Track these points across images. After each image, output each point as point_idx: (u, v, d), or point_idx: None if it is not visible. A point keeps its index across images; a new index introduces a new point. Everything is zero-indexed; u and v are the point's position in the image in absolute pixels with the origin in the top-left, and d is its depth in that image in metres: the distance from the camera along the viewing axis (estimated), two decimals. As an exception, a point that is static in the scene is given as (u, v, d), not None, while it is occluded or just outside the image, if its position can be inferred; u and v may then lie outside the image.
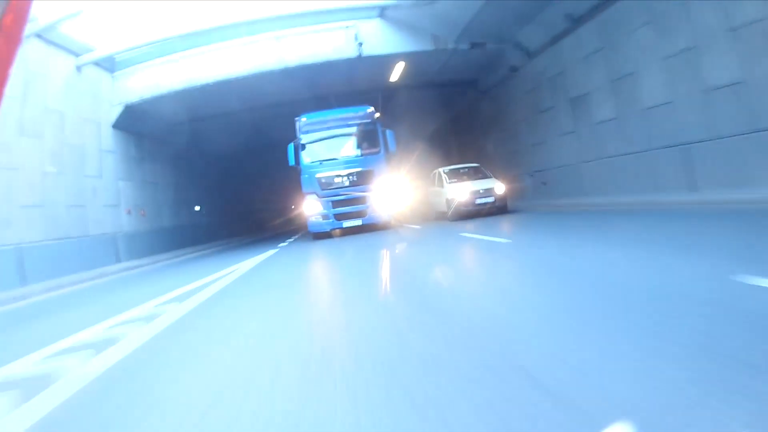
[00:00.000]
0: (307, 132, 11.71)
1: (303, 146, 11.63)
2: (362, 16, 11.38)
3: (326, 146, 11.74)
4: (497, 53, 12.46)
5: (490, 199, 11.01)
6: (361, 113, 12.04)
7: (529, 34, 11.36)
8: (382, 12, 11.27)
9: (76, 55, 11.02)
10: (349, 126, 11.81)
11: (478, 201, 11.00)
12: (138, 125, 12.74)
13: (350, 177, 11.50)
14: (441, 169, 12.75)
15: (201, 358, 2.64)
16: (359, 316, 3.11)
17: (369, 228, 11.77)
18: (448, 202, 11.64)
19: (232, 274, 6.55)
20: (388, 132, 11.98)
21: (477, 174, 12.19)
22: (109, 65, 11.84)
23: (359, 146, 11.83)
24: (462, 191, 11.23)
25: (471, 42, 11.43)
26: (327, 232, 11.71)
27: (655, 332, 1.89)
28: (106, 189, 11.62)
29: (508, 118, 14.13)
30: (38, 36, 9.85)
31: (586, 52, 9.65)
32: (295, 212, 26.38)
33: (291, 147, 11.78)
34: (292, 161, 11.79)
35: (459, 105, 17.66)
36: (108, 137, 11.91)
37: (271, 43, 11.35)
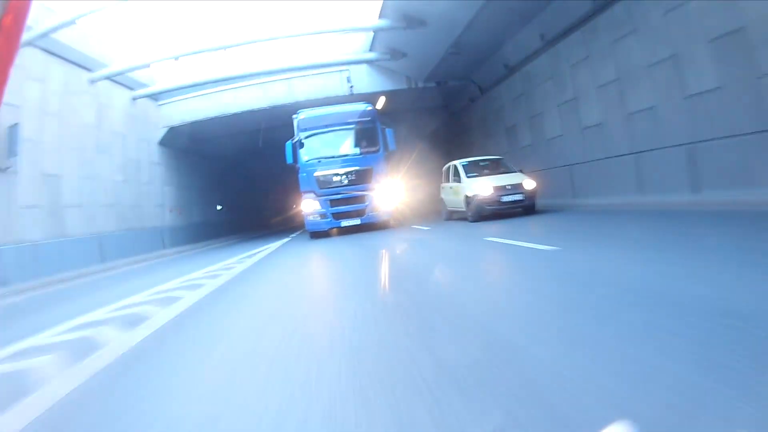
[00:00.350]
0: (305, 129, 11.64)
1: (301, 144, 11.54)
2: (353, 63, 14.76)
3: (325, 144, 11.67)
4: (459, 88, 15.81)
5: (518, 197, 9.50)
6: (360, 110, 12.01)
7: (481, 75, 14.68)
8: (368, 61, 14.63)
9: (131, 89, 14.42)
10: (348, 124, 11.76)
11: (505, 198, 9.48)
12: (177, 142, 16.15)
13: (349, 175, 11.39)
14: (457, 162, 11.21)
15: (250, 298, 4.58)
16: (355, 278, 6.32)
17: (368, 227, 11.74)
18: (467, 199, 10.11)
19: (260, 254, 9.86)
20: (387, 131, 11.89)
21: (499, 167, 10.82)
22: (156, 97, 15.25)
23: (358, 144, 11.73)
24: (485, 187, 9.69)
25: (436, 81, 14.81)
26: (325, 231, 11.71)
27: None
28: (155, 193, 15.03)
29: (468, 137, 17.37)
30: (108, 78, 13.25)
31: (515, 94, 13.00)
32: (298, 210, 29.28)
33: (289, 144, 11.65)
34: (290, 159, 11.65)
35: (434, 124, 20.90)
36: (155, 152, 15.32)
37: (284, 83, 14.76)
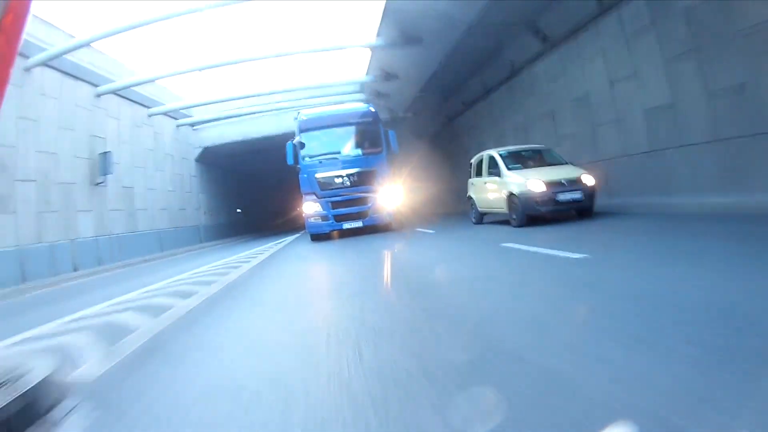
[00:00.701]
0: (306, 130, 11.55)
1: (302, 144, 11.43)
2: (349, 93, 18.59)
3: (326, 145, 11.53)
4: (435, 114, 19.62)
5: (577, 195, 7.67)
6: (362, 111, 12.03)
7: (450, 106, 18.44)
8: (360, 96, 18.51)
9: (176, 119, 18.42)
10: (349, 125, 11.65)
11: (561, 197, 7.64)
12: (209, 159, 20.16)
13: (351, 177, 11.24)
14: (493, 152, 9.37)
15: (280, 273, 9.19)
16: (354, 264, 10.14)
17: (370, 230, 11.63)
18: (511, 198, 8.22)
19: (280, 245, 13.70)
20: (390, 132, 11.82)
21: (545, 159, 9.02)
22: (193, 124, 19.26)
23: (360, 145, 11.61)
24: (536, 182, 7.80)
25: (413, 112, 18.64)
26: (326, 233, 11.57)
27: None
28: (193, 199, 19.05)
29: (450, 153, 20.56)
30: (162, 113, 17.24)
31: (481, 117, 16.56)
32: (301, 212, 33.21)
33: (290, 145, 11.48)
34: (290, 160, 11.48)
35: (419, 144, 24.25)
36: (193, 167, 19.34)
37: (293, 113, 18.64)
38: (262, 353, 2.69)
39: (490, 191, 9.36)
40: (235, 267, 7.92)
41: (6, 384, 1.64)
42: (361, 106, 12.49)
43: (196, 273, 7.64)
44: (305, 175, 11.41)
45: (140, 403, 2.02)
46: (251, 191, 27.92)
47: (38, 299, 7.60)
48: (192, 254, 14.44)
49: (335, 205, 11.23)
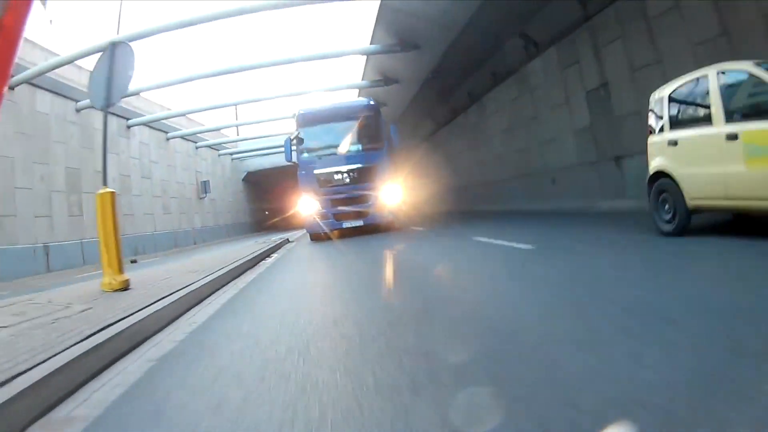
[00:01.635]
0: (305, 126, 11.31)
1: (300, 140, 11.18)
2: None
3: (325, 140, 11.28)
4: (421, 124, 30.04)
5: None
6: (362, 105, 11.76)
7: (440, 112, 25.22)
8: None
9: (231, 155, 29.00)
10: (350, 120, 11.30)
11: None
12: (251, 179, 30.84)
13: (351, 174, 10.91)
14: (715, 72, 4.18)
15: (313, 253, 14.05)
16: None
17: (371, 229, 11.35)
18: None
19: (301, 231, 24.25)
20: (391, 127, 11.55)
21: None
22: (241, 158, 29.90)
23: (361, 141, 11.23)
24: None
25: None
26: (326, 233, 11.19)
27: None
28: (242, 205, 29.77)
29: (438, 156, 23.23)
30: (209, 147, 27.81)
31: (462, 131, 20.40)
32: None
33: (287, 141, 11.17)
34: (288, 157, 11.18)
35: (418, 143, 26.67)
36: (241, 185, 30.08)
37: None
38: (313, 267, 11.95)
39: (710, 160, 4.24)
40: (280, 241, 18.43)
41: None
42: (362, 100, 12.32)
43: (263, 242, 18.22)
44: (303, 172, 11.16)
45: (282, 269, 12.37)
46: (276, 198, 38.54)
47: (192, 251, 17.96)
48: (248, 238, 24.96)
49: (335, 203, 10.93)
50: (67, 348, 2.31)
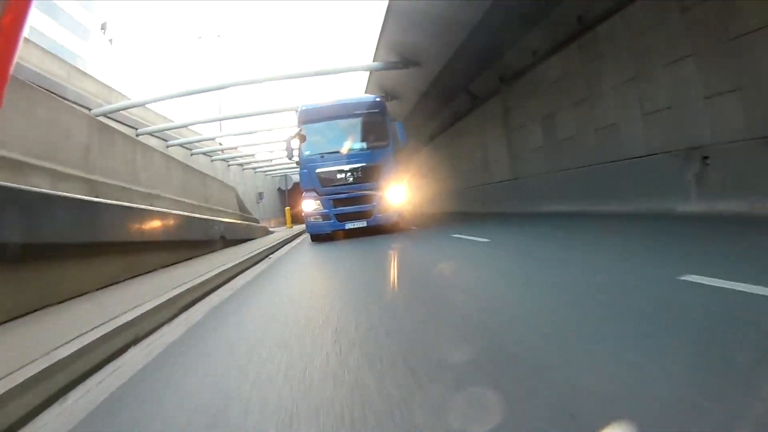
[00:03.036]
0: (307, 122, 10.88)
1: (302, 137, 10.81)
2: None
3: (328, 138, 10.84)
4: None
5: None
6: (368, 102, 11.43)
7: (431, 127, 24.39)
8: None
9: (265, 173, 46.86)
10: (354, 116, 10.90)
11: None
12: (281, 189, 48.87)
13: (354, 173, 10.51)
14: None
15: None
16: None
17: (375, 231, 10.97)
18: None
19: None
20: (397, 124, 11.10)
21: None
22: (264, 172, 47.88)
23: (365, 139, 10.83)
24: None
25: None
26: (327, 234, 10.80)
27: None
28: (278, 207, 47.91)
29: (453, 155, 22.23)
30: (239, 164, 45.76)
31: (447, 147, 22.34)
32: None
33: (289, 138, 10.83)
34: (289, 155, 10.77)
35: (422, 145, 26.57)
36: (276, 193, 48.12)
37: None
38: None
39: None
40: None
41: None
42: (367, 96, 12.09)
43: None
44: (305, 171, 10.78)
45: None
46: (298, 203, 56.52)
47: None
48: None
49: (337, 203, 10.53)
50: (289, 237, 19.95)
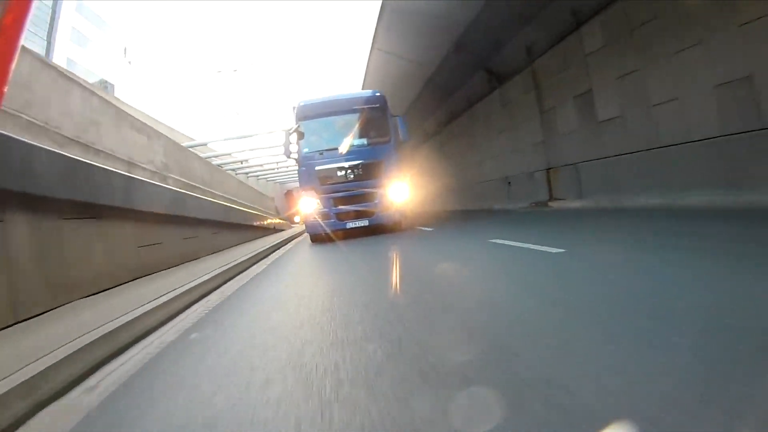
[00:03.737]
0: (305, 118, 10.45)
1: (300, 134, 10.38)
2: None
3: (327, 134, 10.42)
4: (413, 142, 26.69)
5: None
6: (367, 97, 10.91)
7: (429, 125, 23.37)
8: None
9: (277, 182, 53.01)
10: (354, 112, 10.44)
11: None
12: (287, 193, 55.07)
13: (355, 170, 10.06)
14: None
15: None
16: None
17: (377, 230, 10.64)
18: None
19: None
20: (399, 119, 10.65)
21: None
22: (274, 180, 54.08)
23: (366, 135, 10.39)
24: None
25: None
26: (327, 234, 10.27)
27: None
28: (286, 208, 54.29)
29: (451, 153, 21.39)
30: (271, 180, 51.94)
31: (441, 146, 21.91)
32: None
33: (286, 135, 10.39)
34: (287, 152, 10.33)
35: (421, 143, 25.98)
36: (284, 197, 54.40)
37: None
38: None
39: None
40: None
41: None
42: (366, 91, 11.85)
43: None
44: (304, 169, 10.37)
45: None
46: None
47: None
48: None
49: (337, 201, 10.14)
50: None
